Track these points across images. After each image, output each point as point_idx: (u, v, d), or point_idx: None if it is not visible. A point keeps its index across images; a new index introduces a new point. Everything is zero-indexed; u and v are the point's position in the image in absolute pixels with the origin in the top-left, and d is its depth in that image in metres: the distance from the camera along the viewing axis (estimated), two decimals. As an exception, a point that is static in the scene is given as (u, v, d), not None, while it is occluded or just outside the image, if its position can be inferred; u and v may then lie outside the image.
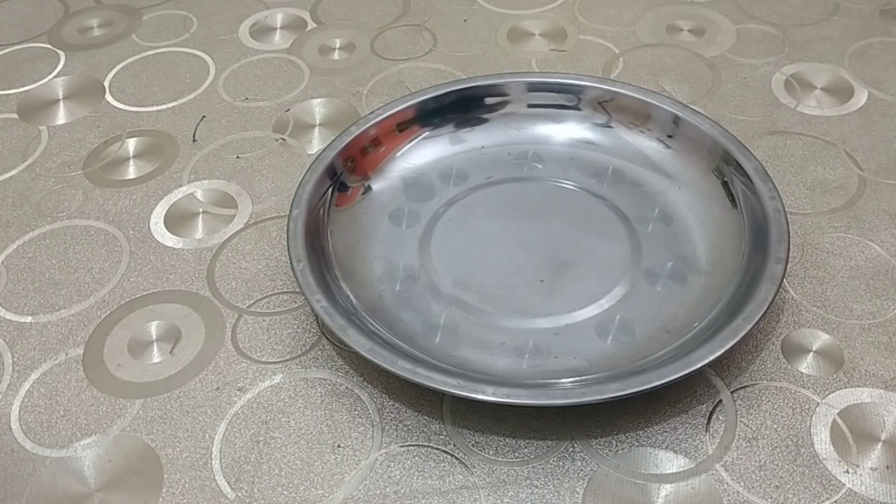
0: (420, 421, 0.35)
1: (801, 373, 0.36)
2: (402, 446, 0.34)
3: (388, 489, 0.33)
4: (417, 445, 0.34)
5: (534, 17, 0.59)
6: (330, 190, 0.42)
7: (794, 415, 0.35)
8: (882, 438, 0.34)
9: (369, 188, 0.44)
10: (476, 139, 0.47)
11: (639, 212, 0.43)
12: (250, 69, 0.55)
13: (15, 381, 0.37)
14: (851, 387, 0.35)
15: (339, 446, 0.34)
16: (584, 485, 0.33)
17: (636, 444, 0.34)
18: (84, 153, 0.49)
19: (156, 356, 0.38)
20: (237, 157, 0.48)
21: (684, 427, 0.34)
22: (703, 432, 0.34)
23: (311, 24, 0.59)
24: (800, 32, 0.56)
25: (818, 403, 0.35)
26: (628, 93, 0.45)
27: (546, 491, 0.33)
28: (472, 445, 0.34)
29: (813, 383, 0.36)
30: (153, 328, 0.39)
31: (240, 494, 0.33)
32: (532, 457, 0.34)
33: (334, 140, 0.43)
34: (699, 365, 0.32)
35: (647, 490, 0.32)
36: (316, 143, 0.49)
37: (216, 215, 0.45)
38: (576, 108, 0.46)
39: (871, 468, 0.33)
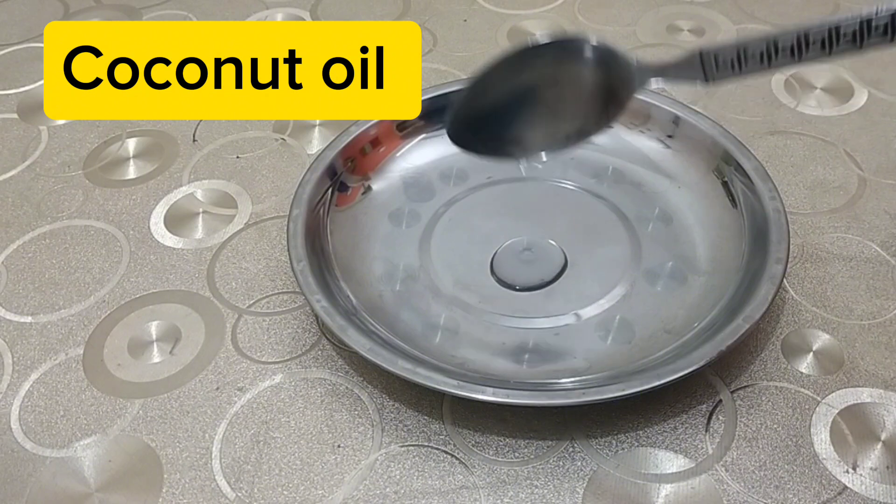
0: (420, 421, 0.35)
1: (801, 373, 0.36)
2: (402, 446, 0.34)
3: (388, 489, 0.33)
4: (417, 445, 0.34)
5: (534, 17, 0.59)
6: (330, 190, 0.42)
7: (794, 415, 0.35)
8: (882, 438, 0.34)
9: (369, 188, 0.44)
10: (476, 139, 0.47)
11: (639, 212, 0.42)
12: (250, 69, 0.55)
13: (15, 381, 0.37)
14: (851, 387, 0.35)
15: (339, 446, 0.34)
16: (584, 485, 0.33)
17: (636, 444, 0.34)
18: (84, 153, 0.49)
19: (156, 356, 0.38)
20: (237, 157, 0.48)
21: (684, 427, 0.34)
22: (703, 432, 0.34)
23: (311, 24, 0.59)
24: (800, 32, 0.56)
25: (818, 403, 0.35)
26: (628, 93, 0.45)
27: (546, 491, 0.33)
28: (472, 445, 0.34)
29: (813, 383, 0.36)
30: (153, 328, 0.39)
31: (240, 494, 0.33)
32: (532, 457, 0.34)
33: (334, 140, 0.43)
34: (699, 365, 0.32)
35: (647, 490, 0.32)
36: (316, 143, 0.49)
37: (216, 215, 0.45)
38: (576, 108, 0.46)
39: (871, 468, 0.33)
